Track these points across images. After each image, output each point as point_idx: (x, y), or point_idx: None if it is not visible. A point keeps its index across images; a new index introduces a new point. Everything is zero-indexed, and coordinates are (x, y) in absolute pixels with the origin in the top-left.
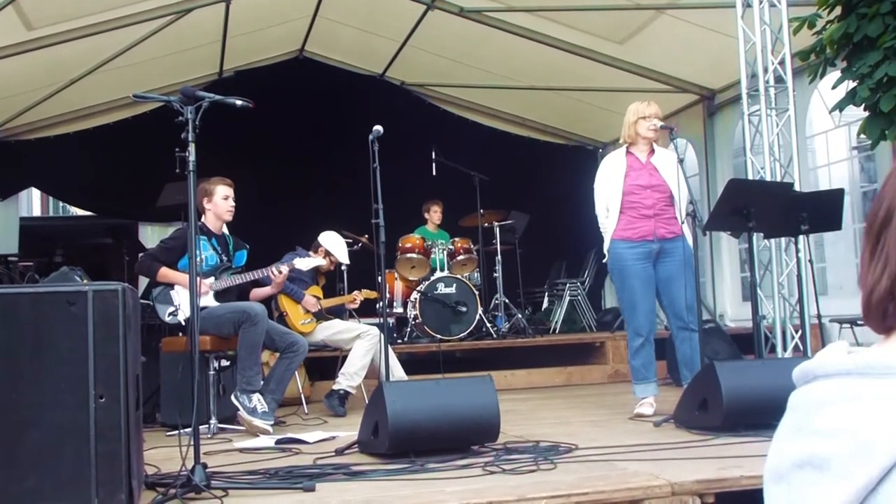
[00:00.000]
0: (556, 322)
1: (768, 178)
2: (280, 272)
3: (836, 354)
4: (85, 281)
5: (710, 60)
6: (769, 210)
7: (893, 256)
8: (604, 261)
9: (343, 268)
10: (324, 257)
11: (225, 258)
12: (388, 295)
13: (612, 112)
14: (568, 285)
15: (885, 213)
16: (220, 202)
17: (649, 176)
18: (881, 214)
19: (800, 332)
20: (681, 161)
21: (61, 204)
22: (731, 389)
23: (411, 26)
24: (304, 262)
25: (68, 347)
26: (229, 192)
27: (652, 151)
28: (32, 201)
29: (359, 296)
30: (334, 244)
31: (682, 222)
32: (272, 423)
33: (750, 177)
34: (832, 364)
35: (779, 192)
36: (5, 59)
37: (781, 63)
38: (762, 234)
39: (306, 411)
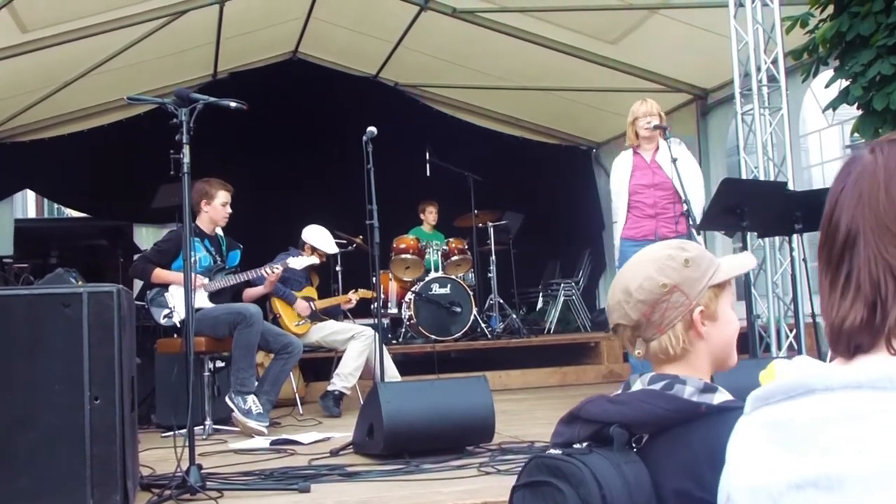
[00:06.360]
0: (551, 322)
1: (762, 178)
2: (273, 272)
3: (835, 368)
4: (80, 283)
5: (702, 60)
6: (763, 209)
7: (866, 281)
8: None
9: (338, 268)
10: (311, 254)
11: (218, 259)
12: (382, 295)
13: (605, 112)
14: (562, 285)
15: (846, 233)
16: (218, 207)
17: (652, 175)
18: (840, 237)
19: (794, 331)
20: (674, 161)
21: (56, 205)
22: None
23: (405, 27)
24: (298, 262)
25: (63, 349)
26: (228, 198)
27: (657, 149)
28: (27, 203)
29: (354, 296)
30: (318, 238)
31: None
32: (267, 424)
33: (743, 176)
34: (837, 377)
35: (772, 191)
36: (0, 61)
37: (774, 62)
38: (756, 234)
39: (301, 412)
